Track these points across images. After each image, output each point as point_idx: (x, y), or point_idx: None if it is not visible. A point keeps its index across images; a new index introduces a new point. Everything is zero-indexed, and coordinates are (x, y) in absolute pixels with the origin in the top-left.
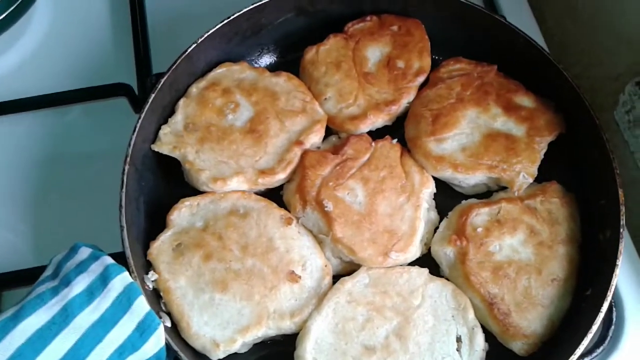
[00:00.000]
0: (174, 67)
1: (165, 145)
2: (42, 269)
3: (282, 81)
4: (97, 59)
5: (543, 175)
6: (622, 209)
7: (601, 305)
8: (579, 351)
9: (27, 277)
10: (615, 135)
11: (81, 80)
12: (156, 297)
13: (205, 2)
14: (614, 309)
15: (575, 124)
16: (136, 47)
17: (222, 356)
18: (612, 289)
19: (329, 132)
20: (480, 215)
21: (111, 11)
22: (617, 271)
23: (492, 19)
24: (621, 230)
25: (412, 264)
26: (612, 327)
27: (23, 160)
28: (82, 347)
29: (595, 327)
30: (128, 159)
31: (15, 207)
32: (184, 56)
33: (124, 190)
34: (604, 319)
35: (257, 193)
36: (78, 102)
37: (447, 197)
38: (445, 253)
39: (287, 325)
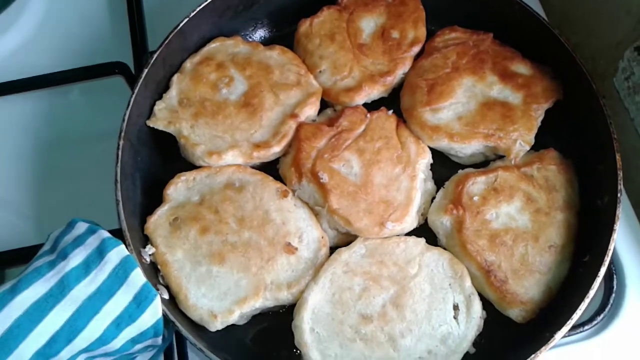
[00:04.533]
0: (166, 42)
1: (160, 120)
2: (42, 246)
3: (276, 54)
4: (94, 39)
5: (540, 143)
6: (620, 173)
7: (598, 271)
8: (576, 316)
9: (28, 255)
10: (616, 103)
11: (78, 61)
12: (154, 270)
13: None
14: (614, 276)
15: (572, 90)
16: (132, 25)
17: (220, 327)
18: (610, 254)
19: (324, 104)
20: (477, 184)
21: None
22: (615, 236)
23: None
24: (619, 195)
25: (409, 234)
26: (613, 294)
27: (22, 141)
28: (79, 319)
29: (592, 293)
30: (122, 134)
31: (16, 188)
32: (176, 31)
33: (118, 165)
34: (604, 286)
35: (252, 167)
36: (74, 81)
37: (444, 168)
38: (442, 222)
39: (284, 296)
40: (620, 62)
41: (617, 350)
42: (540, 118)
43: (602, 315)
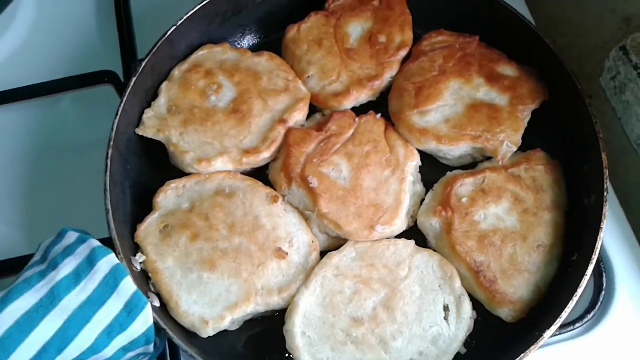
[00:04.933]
0: (154, 50)
1: (149, 128)
2: (33, 256)
3: (264, 60)
4: (83, 47)
5: (527, 143)
6: (606, 172)
7: (586, 269)
8: (564, 315)
9: (18, 265)
10: (603, 103)
11: (68, 70)
12: (145, 278)
13: None
14: (604, 274)
15: (558, 91)
16: (120, 33)
17: (211, 333)
18: (597, 252)
19: (312, 109)
20: (465, 185)
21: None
22: (602, 234)
23: None
24: (605, 193)
25: (399, 236)
26: (603, 292)
27: (11, 150)
28: (69, 328)
29: (580, 291)
30: (111, 142)
31: (6, 197)
32: (163, 39)
33: (107, 174)
34: (594, 284)
35: (242, 172)
36: (63, 91)
37: (433, 169)
38: (431, 224)
39: (275, 301)
40: (606, 62)
41: (607, 348)
42: (527, 119)
43: (592, 314)
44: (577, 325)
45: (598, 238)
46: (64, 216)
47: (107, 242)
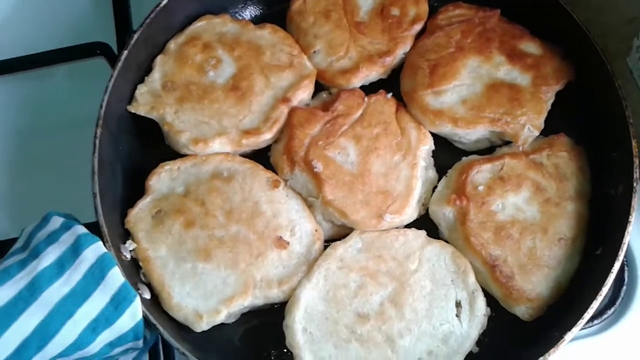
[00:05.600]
0: (148, 21)
1: (142, 106)
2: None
3: (267, 34)
4: (75, 18)
5: (550, 128)
6: (636, 161)
7: (612, 266)
8: (587, 315)
9: (2, 249)
10: (628, 84)
11: (59, 42)
12: (135, 267)
13: None
14: (626, 268)
15: (585, 71)
16: (115, 4)
17: (205, 328)
18: (624, 247)
19: (319, 87)
20: (482, 173)
21: None
22: (630, 228)
23: None
24: (634, 184)
25: (409, 225)
26: (624, 287)
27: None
28: (51, 323)
29: (605, 290)
30: (100, 121)
31: None
32: (159, 9)
33: (96, 155)
34: (615, 278)
35: (242, 155)
36: (53, 64)
37: (447, 154)
38: (444, 214)
39: (274, 294)
40: (635, 40)
41: (628, 346)
42: (551, 101)
43: (612, 309)
44: (596, 321)
45: (626, 232)
46: (51, 198)
47: (95, 228)
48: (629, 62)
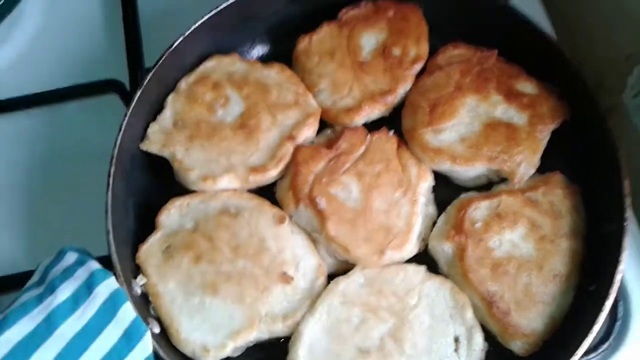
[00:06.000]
0: (160, 61)
1: (153, 144)
2: (33, 273)
3: (274, 73)
4: (90, 55)
5: (546, 166)
6: (628, 201)
7: (604, 303)
8: (580, 351)
9: (18, 282)
10: (624, 119)
11: (73, 78)
12: (145, 301)
13: None
14: (620, 303)
15: (579, 111)
16: (128, 42)
17: None
18: (616, 285)
19: (323, 125)
20: (480, 209)
21: (103, 5)
22: (621, 267)
23: (491, 1)
24: (625, 224)
25: (409, 261)
26: (618, 322)
27: (13, 161)
28: (66, 357)
29: (597, 327)
30: (114, 159)
31: (7, 209)
32: (170, 50)
33: (109, 192)
34: (609, 314)
35: (249, 190)
36: (67, 100)
37: (446, 189)
38: (443, 249)
39: (279, 329)
40: (629, 78)
41: None
42: (546, 139)
43: (606, 344)
44: (591, 355)
45: (617, 270)
46: (66, 230)
47: (108, 261)
48: (624, 98)
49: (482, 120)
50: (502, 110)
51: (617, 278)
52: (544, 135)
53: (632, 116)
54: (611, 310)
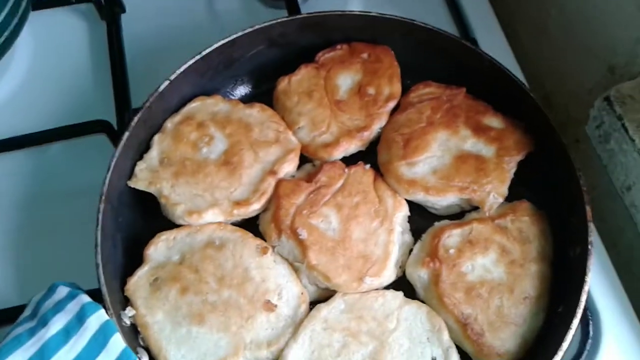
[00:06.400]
0: (147, 105)
1: (141, 181)
2: (24, 307)
3: (256, 112)
4: (78, 97)
5: (514, 194)
6: (591, 225)
7: (571, 322)
8: None
9: (9, 317)
10: (591, 147)
11: (62, 119)
12: (134, 332)
13: (182, 35)
14: (590, 322)
15: (544, 143)
16: (115, 83)
17: None
18: (582, 306)
19: (303, 160)
20: (452, 237)
21: (90, 49)
22: (586, 288)
23: (459, 43)
24: (589, 247)
25: (388, 287)
26: (589, 341)
27: (6, 199)
28: None
29: (565, 345)
30: (103, 197)
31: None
32: (156, 94)
33: (99, 228)
34: (581, 332)
35: (233, 223)
36: (56, 140)
37: (421, 218)
38: (419, 275)
39: (264, 355)
40: (591, 111)
41: None
42: (513, 170)
43: None
44: None
45: (582, 292)
46: (56, 265)
47: (98, 294)
48: (587, 130)
49: (453, 153)
50: (471, 143)
51: (583, 298)
52: (511, 166)
53: (595, 146)
54: (583, 329)
